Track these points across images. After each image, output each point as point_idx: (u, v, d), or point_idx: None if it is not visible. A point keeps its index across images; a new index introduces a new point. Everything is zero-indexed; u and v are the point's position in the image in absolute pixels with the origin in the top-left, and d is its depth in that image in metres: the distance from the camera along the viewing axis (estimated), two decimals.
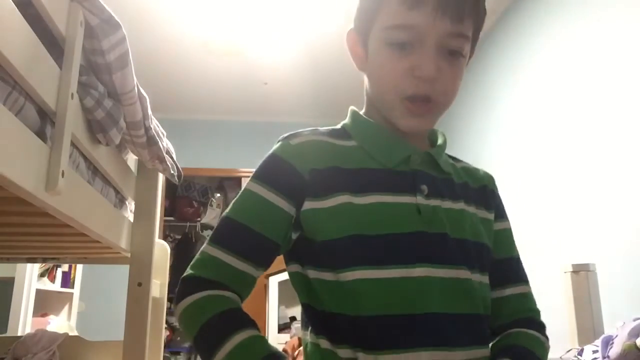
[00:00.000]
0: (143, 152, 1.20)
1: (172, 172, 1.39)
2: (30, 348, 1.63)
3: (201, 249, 0.72)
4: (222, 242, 0.71)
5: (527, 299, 0.80)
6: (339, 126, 0.80)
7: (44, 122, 0.78)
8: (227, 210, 0.73)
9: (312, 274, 0.70)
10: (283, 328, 3.62)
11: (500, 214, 0.82)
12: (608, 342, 1.30)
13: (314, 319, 0.72)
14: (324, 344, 0.69)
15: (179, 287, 0.72)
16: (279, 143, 0.75)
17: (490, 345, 0.74)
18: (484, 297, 0.72)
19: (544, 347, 0.75)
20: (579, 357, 1.42)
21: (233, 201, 0.74)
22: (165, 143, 1.35)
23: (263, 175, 0.73)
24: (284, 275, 3.57)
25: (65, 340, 1.72)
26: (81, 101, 0.89)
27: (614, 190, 1.84)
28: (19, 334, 2.57)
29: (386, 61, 0.72)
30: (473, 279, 0.71)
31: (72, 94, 0.81)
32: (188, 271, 0.72)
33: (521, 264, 0.82)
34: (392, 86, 0.71)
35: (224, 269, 0.69)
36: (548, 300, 2.14)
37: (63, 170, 0.77)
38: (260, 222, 0.71)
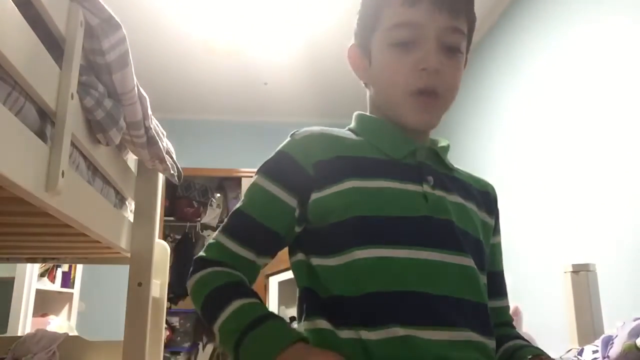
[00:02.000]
0: (143, 152, 1.20)
1: (172, 172, 1.39)
2: (30, 348, 1.63)
3: (213, 235, 0.78)
4: (228, 230, 0.77)
5: (507, 313, 0.86)
6: (345, 129, 0.83)
7: (44, 122, 0.78)
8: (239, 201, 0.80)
9: (316, 261, 0.73)
10: None
11: (498, 228, 0.86)
12: (608, 342, 1.30)
13: (313, 302, 0.73)
14: (323, 324, 0.71)
15: (191, 267, 0.77)
16: (287, 139, 0.79)
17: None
18: (485, 290, 0.75)
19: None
20: (579, 357, 1.42)
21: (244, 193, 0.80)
22: (165, 143, 1.35)
23: (268, 169, 0.77)
24: (284, 275, 3.57)
25: (65, 340, 1.72)
26: (81, 101, 0.89)
27: (614, 190, 1.84)
28: (19, 334, 2.57)
29: (391, 61, 0.75)
30: (474, 266, 0.73)
31: (72, 94, 0.81)
32: (199, 254, 0.77)
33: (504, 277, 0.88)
34: (399, 83, 0.75)
35: (227, 253, 0.75)
36: (548, 300, 2.16)
37: (63, 170, 0.77)
38: (262, 213, 0.75)
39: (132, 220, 1.40)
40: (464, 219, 0.75)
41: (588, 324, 1.59)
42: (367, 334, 0.66)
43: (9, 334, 2.65)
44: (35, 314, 2.92)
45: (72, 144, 0.86)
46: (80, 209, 0.92)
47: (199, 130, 4.34)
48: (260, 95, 4.00)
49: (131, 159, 1.38)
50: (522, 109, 2.56)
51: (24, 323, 2.76)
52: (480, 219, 0.80)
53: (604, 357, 1.29)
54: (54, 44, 0.81)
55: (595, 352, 1.35)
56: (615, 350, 1.25)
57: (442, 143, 0.83)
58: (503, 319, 0.83)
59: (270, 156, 0.78)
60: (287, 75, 3.63)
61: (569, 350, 1.53)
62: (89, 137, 0.94)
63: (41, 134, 0.77)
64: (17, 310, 2.76)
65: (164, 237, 4.55)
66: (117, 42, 0.91)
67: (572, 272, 1.65)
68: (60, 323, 3.03)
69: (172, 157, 1.40)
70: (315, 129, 0.79)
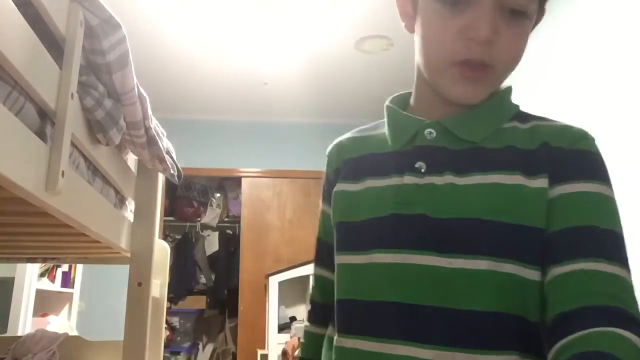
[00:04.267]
0: (143, 152, 1.20)
1: (172, 172, 1.39)
2: (30, 348, 1.63)
3: None
4: (314, 258, 0.85)
5: (602, 278, 0.54)
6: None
7: (44, 122, 0.78)
8: None
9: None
10: (283, 328, 3.62)
11: (563, 176, 0.61)
12: None
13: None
14: (329, 330, 0.78)
15: None
16: None
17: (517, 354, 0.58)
18: (480, 288, 0.59)
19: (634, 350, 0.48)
20: None
21: None
22: (165, 143, 1.35)
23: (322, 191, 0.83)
24: (284, 275, 3.57)
25: (65, 340, 1.72)
26: (81, 101, 0.89)
27: (614, 190, 1.84)
28: (19, 334, 2.57)
29: (435, 20, 0.63)
30: (448, 266, 0.59)
31: (72, 94, 0.81)
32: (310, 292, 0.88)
33: (604, 237, 0.58)
34: (441, 49, 0.63)
35: (319, 281, 0.83)
36: None
37: (63, 170, 0.77)
38: (324, 231, 0.81)
39: (132, 220, 1.40)
40: (456, 204, 0.61)
41: None
42: (336, 340, 0.68)
43: (9, 334, 2.65)
44: (35, 314, 2.92)
45: (72, 144, 0.86)
46: (80, 209, 0.92)
47: (199, 130, 4.34)
48: (260, 95, 3.99)
49: (131, 159, 1.38)
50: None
51: (24, 323, 2.76)
52: (510, 187, 0.61)
53: None
54: (54, 44, 0.81)
55: None
56: None
57: (482, 106, 0.67)
58: (556, 295, 0.56)
59: None
60: (287, 75, 3.63)
61: None
62: (89, 137, 0.94)
63: (41, 134, 0.77)
64: (17, 310, 2.75)
65: (164, 237, 4.56)
66: (117, 42, 0.91)
67: None
68: (60, 323, 3.03)
69: (172, 157, 1.40)
70: (344, 136, 0.80)
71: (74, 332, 2.85)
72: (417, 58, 0.69)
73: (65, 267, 3.27)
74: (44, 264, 2.99)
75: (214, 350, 4.70)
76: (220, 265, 4.68)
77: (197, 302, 4.63)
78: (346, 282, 0.68)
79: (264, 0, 2.80)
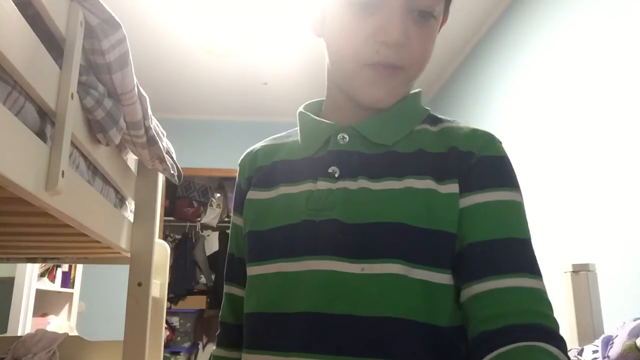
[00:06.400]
0: (143, 152, 1.20)
1: (172, 172, 1.39)
2: (30, 348, 1.63)
3: None
4: (225, 274, 0.78)
5: (523, 294, 0.56)
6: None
7: (44, 122, 0.78)
8: None
9: None
10: None
11: (476, 184, 0.61)
12: (608, 342, 1.30)
13: None
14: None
15: None
16: None
17: None
18: (392, 294, 0.57)
19: None
20: (579, 357, 1.42)
21: None
22: (165, 143, 1.35)
23: (233, 202, 0.78)
24: None
25: (65, 340, 1.72)
26: (81, 101, 0.89)
27: (614, 190, 1.84)
28: (19, 334, 2.57)
29: (346, 23, 0.62)
30: (360, 271, 0.57)
31: (72, 94, 0.81)
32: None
33: (520, 248, 0.59)
34: (352, 52, 0.62)
35: (229, 299, 0.76)
36: None
37: (63, 170, 0.77)
38: (236, 246, 0.75)
39: (132, 220, 1.40)
40: (370, 208, 0.60)
41: (588, 324, 1.59)
42: (249, 358, 0.63)
43: (9, 334, 2.65)
44: (35, 314, 2.92)
45: (72, 144, 0.86)
46: (80, 209, 0.92)
47: (199, 130, 4.34)
48: (260, 95, 4.00)
49: (131, 159, 1.38)
50: (519, 109, 2.56)
51: (24, 323, 2.76)
52: (423, 191, 0.60)
53: (604, 357, 1.29)
54: (54, 44, 0.81)
55: (595, 352, 1.35)
56: (615, 350, 1.25)
57: (390, 110, 0.66)
58: (479, 314, 0.56)
59: None
60: (287, 75, 3.63)
61: (569, 350, 1.53)
62: (89, 137, 0.94)
63: (41, 134, 0.77)
64: (17, 310, 2.75)
65: (164, 237, 4.55)
66: (117, 42, 0.91)
67: (572, 272, 1.65)
68: (60, 323, 3.03)
69: (172, 157, 1.40)
70: (256, 145, 0.78)
71: (74, 332, 2.85)
72: (328, 62, 0.69)
73: (65, 267, 3.27)
74: (44, 264, 2.99)
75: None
76: (220, 265, 4.68)
77: (197, 302, 4.63)
78: (255, 295, 0.65)
79: (264, 0, 2.80)
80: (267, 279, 0.63)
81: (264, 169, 0.72)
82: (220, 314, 0.78)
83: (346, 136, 0.66)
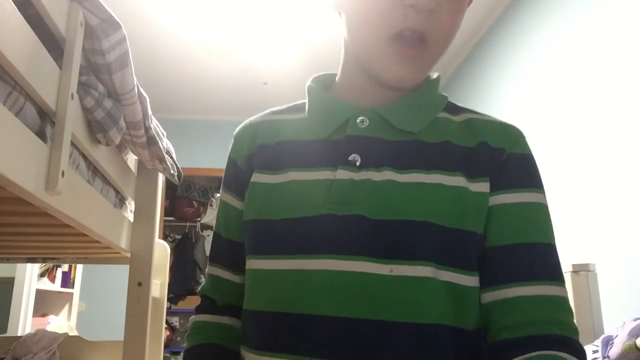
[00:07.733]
0: (143, 152, 1.20)
1: (172, 172, 1.39)
2: (30, 348, 1.63)
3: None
4: (210, 255, 0.72)
5: (544, 303, 0.55)
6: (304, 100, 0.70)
7: (44, 122, 0.78)
8: None
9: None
10: None
11: (506, 183, 0.58)
12: (608, 342, 1.30)
13: None
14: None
15: None
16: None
17: None
18: (424, 298, 0.54)
19: None
20: None
21: None
22: (165, 143, 1.35)
23: (223, 178, 0.71)
24: None
25: (65, 340, 1.72)
26: (81, 101, 0.89)
27: (614, 190, 1.84)
28: (19, 334, 2.57)
29: None
30: (388, 273, 0.54)
31: (72, 94, 0.81)
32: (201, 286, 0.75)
33: (544, 253, 0.59)
34: (376, 20, 0.57)
35: (214, 279, 0.71)
36: None
37: (63, 170, 0.77)
38: (226, 227, 0.69)
39: (132, 220, 1.40)
40: (396, 204, 0.56)
41: (588, 324, 1.58)
42: (248, 357, 0.58)
43: (9, 334, 2.65)
44: (35, 314, 2.92)
45: (72, 144, 0.86)
46: (80, 209, 0.92)
47: (199, 130, 4.35)
48: (260, 95, 4.00)
49: (131, 159, 1.38)
50: (520, 107, 2.55)
51: (24, 323, 2.76)
52: (450, 188, 0.57)
53: (604, 357, 1.29)
54: (54, 44, 0.81)
55: (595, 352, 1.35)
56: (615, 350, 1.25)
57: (414, 94, 0.62)
58: (499, 321, 0.55)
59: None
60: (287, 75, 3.63)
61: None
62: (89, 137, 0.94)
63: (41, 134, 0.77)
64: (17, 310, 2.75)
65: (164, 237, 4.56)
66: (117, 42, 0.91)
67: (572, 272, 1.65)
68: (60, 323, 3.03)
69: (172, 157, 1.40)
70: (254, 118, 0.70)
71: (74, 332, 2.84)
72: (346, 37, 0.64)
73: (65, 267, 3.27)
74: (44, 264, 2.99)
75: None
76: None
77: (197, 302, 4.62)
78: (264, 291, 0.58)
79: (264, 0, 2.80)
80: (281, 275, 0.57)
81: (268, 149, 0.65)
82: (201, 288, 0.73)
83: (366, 120, 0.60)
